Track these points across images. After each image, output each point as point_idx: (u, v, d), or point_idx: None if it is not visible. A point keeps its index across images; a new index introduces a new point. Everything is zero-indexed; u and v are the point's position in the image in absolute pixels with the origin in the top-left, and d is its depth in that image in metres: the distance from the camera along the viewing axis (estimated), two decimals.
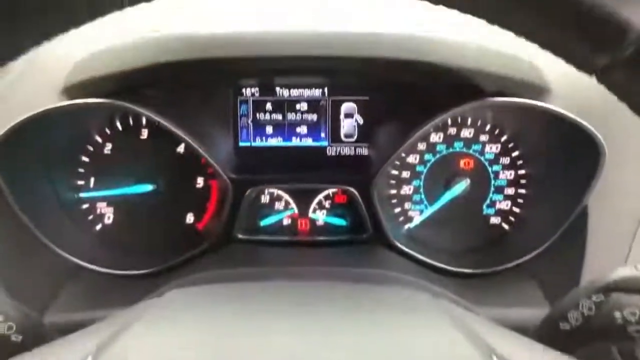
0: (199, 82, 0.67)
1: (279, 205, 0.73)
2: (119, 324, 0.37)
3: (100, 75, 0.58)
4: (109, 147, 0.71)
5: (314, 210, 0.72)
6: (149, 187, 0.71)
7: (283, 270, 0.61)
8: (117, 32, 0.63)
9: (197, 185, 0.72)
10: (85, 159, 0.70)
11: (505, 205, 0.72)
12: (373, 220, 0.69)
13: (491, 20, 0.27)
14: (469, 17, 0.28)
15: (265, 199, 0.72)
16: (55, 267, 0.67)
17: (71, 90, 0.62)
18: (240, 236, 0.70)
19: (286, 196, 0.72)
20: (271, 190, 0.72)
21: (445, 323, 0.36)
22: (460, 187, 0.70)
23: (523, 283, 0.67)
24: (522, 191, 0.71)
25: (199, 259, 0.69)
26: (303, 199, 0.72)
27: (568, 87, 0.61)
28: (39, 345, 0.38)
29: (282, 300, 0.41)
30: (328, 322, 0.36)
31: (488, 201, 0.72)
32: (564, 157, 0.65)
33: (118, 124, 0.70)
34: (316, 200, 0.72)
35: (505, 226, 0.72)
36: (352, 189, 0.68)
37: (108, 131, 0.70)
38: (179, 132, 0.63)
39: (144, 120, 0.70)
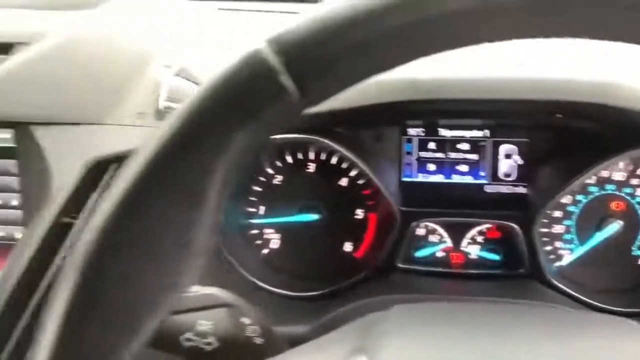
0: (371, 122, 0.72)
1: (433, 238, 0.77)
2: (356, 335, 0.41)
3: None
4: (278, 178, 0.76)
5: (467, 245, 0.76)
6: (313, 217, 0.76)
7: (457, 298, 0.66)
8: None
9: (357, 217, 0.77)
10: (257, 188, 0.76)
11: None
12: (530, 256, 0.72)
13: None
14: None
15: (420, 231, 0.76)
16: (237, 284, 0.72)
17: None
18: (400, 265, 0.75)
19: (440, 229, 0.76)
20: (426, 223, 0.76)
21: None
22: (612, 228, 0.73)
23: None
24: None
25: (363, 285, 0.74)
26: (457, 233, 0.76)
27: None
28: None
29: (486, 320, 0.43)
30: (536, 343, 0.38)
31: (638, 243, 0.74)
32: None
33: (289, 158, 0.75)
34: (470, 235, 0.76)
35: None
36: (513, 225, 0.72)
37: (279, 164, 0.75)
38: (364, 167, 0.69)
39: (311, 155, 0.75)
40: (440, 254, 0.77)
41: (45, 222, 0.57)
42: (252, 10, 0.96)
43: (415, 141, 0.73)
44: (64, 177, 0.59)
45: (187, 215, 0.31)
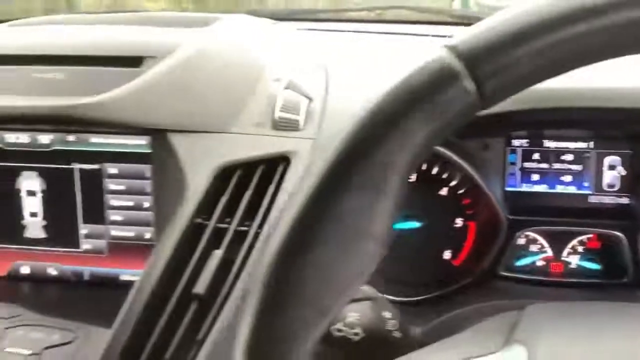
0: (479, 132, 0.74)
1: (533, 247, 0.78)
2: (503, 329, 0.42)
3: None
4: None
5: (568, 254, 0.77)
6: (414, 225, 0.78)
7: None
8: None
9: (456, 226, 0.79)
10: None
11: None
12: (634, 265, 0.73)
13: None
14: None
15: (521, 240, 0.78)
16: None
17: None
18: (502, 273, 0.76)
19: (541, 239, 0.77)
20: (527, 232, 0.77)
21: None
22: None
23: None
24: None
25: (464, 291, 0.75)
26: (558, 242, 0.77)
27: None
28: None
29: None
30: None
31: None
32: None
33: None
34: (571, 244, 0.77)
35: None
36: (618, 234, 0.73)
37: None
38: (474, 175, 0.71)
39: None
40: (540, 263, 0.78)
41: (181, 224, 0.61)
42: (326, 30, 1.01)
43: (520, 152, 0.75)
44: (196, 181, 0.63)
45: (373, 207, 0.34)
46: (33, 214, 0.69)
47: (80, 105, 0.62)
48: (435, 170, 0.77)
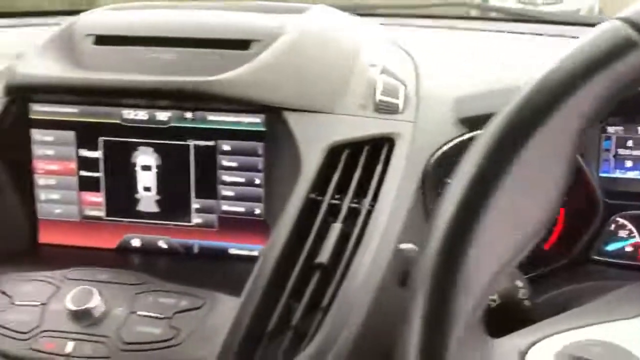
0: None
1: (622, 233, 0.79)
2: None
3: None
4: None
5: None
6: None
7: None
8: None
9: None
10: None
11: None
12: None
13: None
14: None
15: (611, 225, 0.79)
16: None
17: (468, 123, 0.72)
18: (594, 257, 0.78)
19: (630, 225, 0.79)
20: (617, 218, 0.79)
21: None
22: None
23: None
24: None
25: (555, 275, 0.77)
26: None
27: None
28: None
29: None
30: None
31: None
32: None
33: None
34: None
35: None
36: None
37: None
38: (580, 160, 0.72)
39: None
40: (628, 249, 0.79)
41: (298, 199, 0.63)
42: (407, 26, 1.03)
43: (614, 138, 0.77)
44: (310, 159, 0.65)
45: (547, 171, 0.36)
46: (147, 189, 0.72)
47: (207, 82, 0.65)
48: None
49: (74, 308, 0.59)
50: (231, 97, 0.66)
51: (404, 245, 0.58)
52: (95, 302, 0.59)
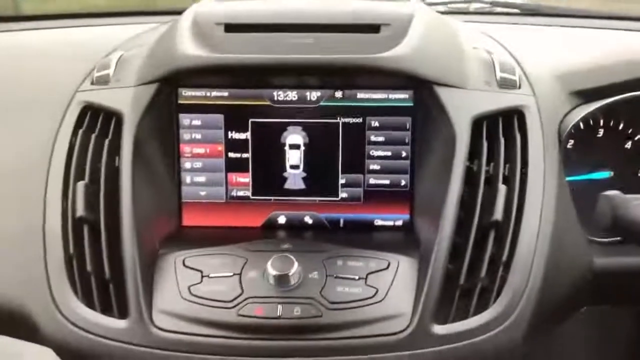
0: None
1: None
2: None
3: None
4: (571, 142, 0.87)
5: None
6: (605, 175, 0.87)
7: None
8: None
9: None
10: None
11: None
12: None
13: None
14: None
15: None
16: None
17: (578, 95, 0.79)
18: None
19: None
20: None
21: None
22: None
23: None
24: None
25: None
26: None
27: None
28: None
29: None
30: None
31: None
32: None
33: (581, 125, 0.86)
34: None
35: None
36: None
37: (572, 131, 0.87)
38: None
39: (601, 122, 0.87)
40: None
41: (459, 168, 0.68)
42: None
43: None
44: (462, 130, 0.70)
45: None
46: (294, 167, 0.75)
47: (374, 58, 0.69)
48: (621, 126, 0.87)
49: (276, 273, 0.62)
50: (396, 70, 0.70)
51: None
52: (295, 268, 0.62)
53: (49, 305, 0.63)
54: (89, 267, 0.64)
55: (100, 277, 0.64)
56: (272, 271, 0.62)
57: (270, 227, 0.76)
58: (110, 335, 0.61)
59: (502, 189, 0.67)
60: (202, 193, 0.76)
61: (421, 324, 0.61)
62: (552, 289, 0.65)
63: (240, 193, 0.76)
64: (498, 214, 0.65)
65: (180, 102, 0.74)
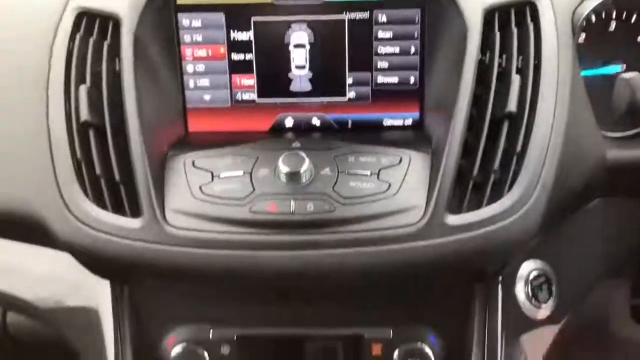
0: None
1: None
2: None
3: None
4: (582, 36, 0.85)
5: None
6: (617, 68, 0.85)
7: None
8: None
9: None
10: None
11: None
12: None
13: None
14: None
15: None
16: None
17: None
18: None
19: None
20: None
21: None
22: None
23: None
24: None
25: None
26: None
27: None
28: None
29: None
30: None
31: None
32: None
33: (593, 17, 0.83)
34: None
35: None
36: None
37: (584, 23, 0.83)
38: None
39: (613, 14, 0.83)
40: None
41: (472, 60, 0.66)
42: None
43: None
44: (474, 22, 0.68)
45: None
46: (300, 67, 0.73)
47: None
48: (633, 19, 0.84)
49: (288, 170, 0.61)
50: None
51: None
52: (307, 165, 0.62)
53: (60, 208, 0.62)
54: (98, 170, 0.64)
55: (110, 180, 0.64)
56: (283, 168, 0.61)
57: (278, 130, 0.75)
58: (124, 234, 0.61)
59: (515, 79, 0.65)
60: (207, 97, 0.74)
61: (435, 215, 0.60)
62: (566, 179, 0.65)
63: (246, 96, 0.74)
64: (512, 105, 0.64)
65: (178, 2, 0.71)
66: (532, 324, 0.72)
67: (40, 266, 0.80)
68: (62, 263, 0.76)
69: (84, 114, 0.65)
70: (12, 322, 0.86)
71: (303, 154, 0.62)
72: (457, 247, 0.60)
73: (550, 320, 0.73)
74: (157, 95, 0.70)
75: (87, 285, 0.76)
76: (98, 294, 0.75)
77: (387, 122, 0.75)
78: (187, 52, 0.73)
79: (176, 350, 0.71)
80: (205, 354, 0.71)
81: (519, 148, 0.63)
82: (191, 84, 0.74)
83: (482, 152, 0.63)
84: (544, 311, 0.72)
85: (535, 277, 0.72)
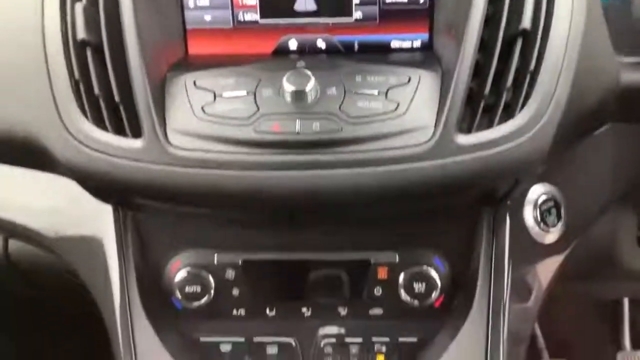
0: None
1: None
2: None
3: None
4: None
5: None
6: None
7: None
8: None
9: None
10: None
11: None
12: None
13: None
14: None
15: None
16: None
17: None
18: None
19: None
20: None
21: None
22: None
23: None
24: None
25: None
26: None
27: None
28: None
29: None
30: None
31: None
32: None
33: None
34: None
35: None
36: None
37: None
38: None
39: None
40: None
41: None
42: None
43: None
44: None
45: None
46: None
47: None
48: None
49: (293, 89, 0.59)
50: None
51: None
52: (312, 84, 0.59)
53: (59, 129, 0.61)
54: (96, 90, 0.62)
55: (110, 100, 0.62)
56: (288, 87, 0.59)
57: (282, 53, 0.72)
58: (125, 154, 0.59)
59: None
60: (207, 18, 0.71)
61: (445, 134, 0.59)
62: (579, 99, 0.63)
63: (248, 17, 0.71)
64: (526, 22, 0.61)
65: None
66: (540, 249, 0.72)
67: (42, 201, 0.79)
68: (64, 197, 0.75)
69: (81, 33, 0.62)
70: (14, 250, 0.86)
71: (308, 73, 0.60)
72: (467, 167, 0.59)
73: (557, 245, 0.73)
74: (156, 15, 0.67)
75: (90, 216, 0.75)
76: (101, 223, 0.74)
77: (395, 44, 0.72)
78: None
79: (181, 274, 0.71)
80: (210, 277, 0.71)
81: (532, 67, 0.61)
82: (191, 3, 0.71)
83: (496, 68, 0.61)
84: (552, 235, 0.71)
85: (544, 201, 0.71)
